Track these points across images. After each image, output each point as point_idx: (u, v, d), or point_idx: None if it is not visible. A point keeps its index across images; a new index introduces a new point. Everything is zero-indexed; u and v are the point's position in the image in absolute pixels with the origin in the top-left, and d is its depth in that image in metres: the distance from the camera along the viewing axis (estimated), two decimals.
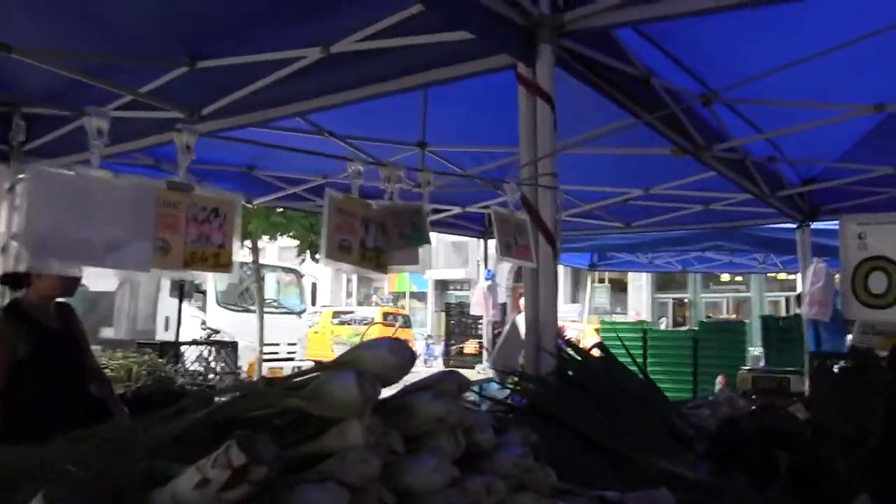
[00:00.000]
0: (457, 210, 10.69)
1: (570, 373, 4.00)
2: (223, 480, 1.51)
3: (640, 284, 36.18)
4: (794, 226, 10.22)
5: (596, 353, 4.24)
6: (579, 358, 4.10)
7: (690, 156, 6.65)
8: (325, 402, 1.77)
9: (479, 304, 12.51)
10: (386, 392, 1.98)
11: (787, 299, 28.66)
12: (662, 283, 36.10)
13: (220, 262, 2.49)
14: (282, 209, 15.81)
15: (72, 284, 5.00)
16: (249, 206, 10.78)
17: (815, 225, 10.09)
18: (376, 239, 3.07)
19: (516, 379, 3.99)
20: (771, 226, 11.48)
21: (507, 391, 4.01)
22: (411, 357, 1.98)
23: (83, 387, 5.14)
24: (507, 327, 6.30)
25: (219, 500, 1.51)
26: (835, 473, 3.30)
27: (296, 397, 1.82)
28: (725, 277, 33.67)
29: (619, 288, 36.82)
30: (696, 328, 16.43)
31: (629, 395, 3.86)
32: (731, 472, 3.24)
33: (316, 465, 1.75)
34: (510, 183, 3.89)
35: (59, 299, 5.05)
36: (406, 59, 4.95)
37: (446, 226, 11.49)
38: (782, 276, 28.77)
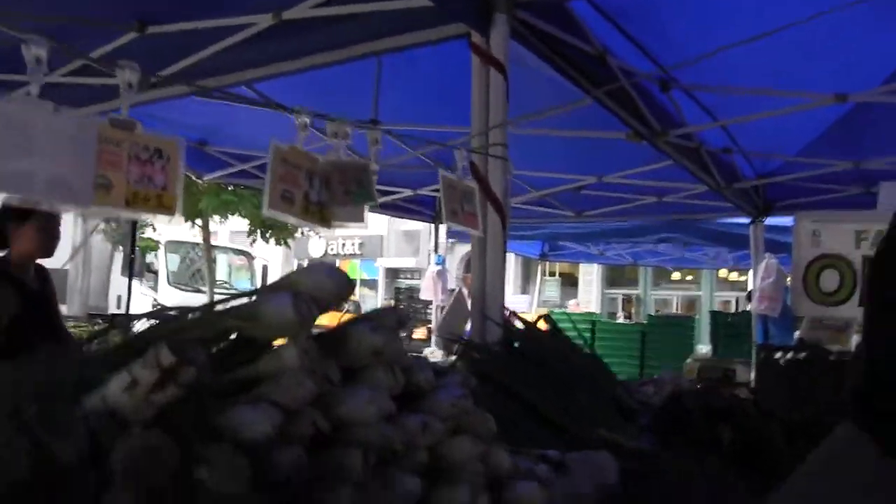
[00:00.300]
0: (408, 192, 10.55)
1: (515, 344, 4.00)
2: (152, 381, 1.49)
3: (590, 279, 36.33)
4: (747, 221, 10.29)
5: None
6: (525, 328, 4.10)
7: (646, 141, 6.63)
8: (260, 323, 1.75)
9: (428, 289, 12.41)
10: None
11: (738, 299, 28.85)
12: (613, 278, 36.25)
13: (164, 203, 2.45)
14: (232, 187, 15.76)
15: (51, 243, 4.86)
16: (200, 181, 10.66)
17: (768, 221, 10.14)
18: (320, 194, 3.03)
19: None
20: (724, 220, 11.54)
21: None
22: (348, 282, 1.95)
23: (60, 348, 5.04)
24: (452, 296, 6.29)
25: (148, 401, 1.49)
26: (775, 451, 3.33)
27: (231, 317, 1.79)
28: (676, 276, 33.82)
29: (570, 282, 36.96)
30: (645, 322, 16.45)
31: (575, 367, 3.87)
32: (673, 445, 3.26)
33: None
34: (460, 150, 3.86)
35: (39, 260, 4.96)
36: (360, 27, 4.90)
37: (397, 209, 11.36)
38: (733, 275, 29.02)
